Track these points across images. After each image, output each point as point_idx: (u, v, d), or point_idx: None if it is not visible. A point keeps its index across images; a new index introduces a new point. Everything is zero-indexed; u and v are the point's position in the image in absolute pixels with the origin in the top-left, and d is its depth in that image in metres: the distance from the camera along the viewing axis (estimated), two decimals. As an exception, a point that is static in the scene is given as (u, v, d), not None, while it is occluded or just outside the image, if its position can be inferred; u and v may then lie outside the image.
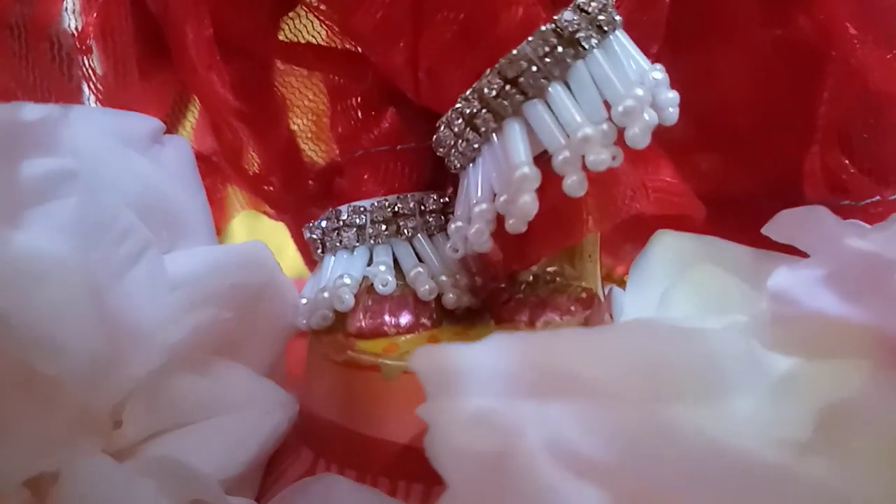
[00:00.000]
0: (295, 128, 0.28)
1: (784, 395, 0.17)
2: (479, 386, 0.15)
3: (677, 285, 0.21)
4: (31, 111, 0.18)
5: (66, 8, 0.20)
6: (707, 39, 0.26)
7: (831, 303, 0.17)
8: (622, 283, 0.29)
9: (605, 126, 0.18)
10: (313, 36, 0.23)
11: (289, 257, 0.41)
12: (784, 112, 0.25)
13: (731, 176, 0.29)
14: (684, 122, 0.29)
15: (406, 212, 0.22)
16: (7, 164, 0.18)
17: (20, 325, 0.17)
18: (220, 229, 0.32)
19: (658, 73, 0.19)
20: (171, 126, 0.28)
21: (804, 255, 0.20)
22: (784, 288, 0.17)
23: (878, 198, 0.23)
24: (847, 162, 0.23)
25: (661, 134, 0.23)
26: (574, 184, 0.18)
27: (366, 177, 0.23)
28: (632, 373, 0.15)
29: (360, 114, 0.23)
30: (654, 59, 0.24)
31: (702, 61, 0.27)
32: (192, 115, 0.29)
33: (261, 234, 0.37)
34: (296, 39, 0.23)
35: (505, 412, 0.14)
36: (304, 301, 0.23)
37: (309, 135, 0.28)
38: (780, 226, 0.21)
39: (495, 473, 0.13)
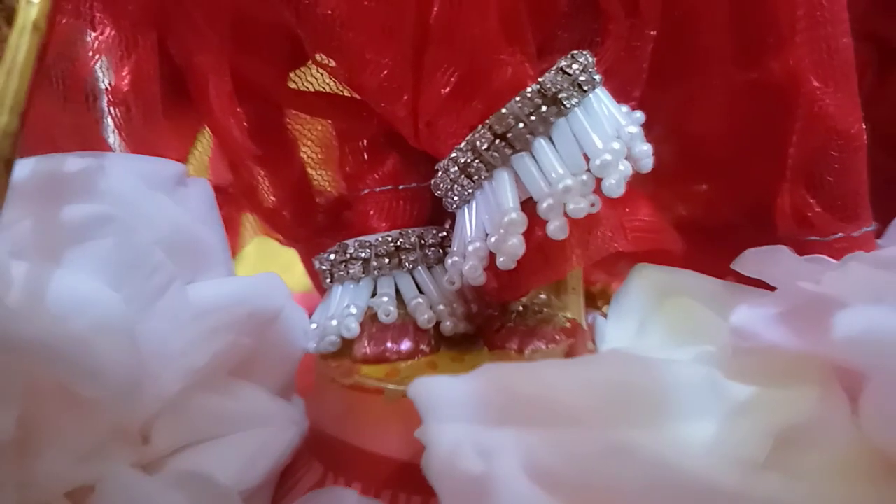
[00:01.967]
0: (304, 156, 0.30)
1: (742, 419, 0.18)
2: (468, 413, 0.17)
3: (654, 316, 0.23)
4: (73, 163, 0.20)
5: (100, 65, 0.22)
6: (686, 78, 0.28)
7: (785, 337, 0.19)
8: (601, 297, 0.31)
9: (584, 177, 0.20)
10: (322, 87, 0.25)
11: (297, 274, 0.44)
12: (758, 148, 0.27)
13: (714, 205, 0.31)
14: (669, 155, 0.31)
15: (408, 246, 0.24)
16: (52, 209, 0.20)
17: (61, 352, 0.19)
18: (234, 253, 0.34)
19: (633, 127, 0.21)
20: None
21: (772, 287, 0.22)
22: (743, 323, 0.19)
23: (841, 234, 0.24)
24: (813, 200, 0.25)
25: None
26: (556, 228, 0.20)
27: (371, 213, 0.25)
28: (603, 400, 0.18)
29: (366, 156, 0.25)
30: (637, 100, 0.27)
31: (682, 99, 0.29)
32: (198, 150, 0.31)
33: (270, 254, 0.39)
34: (307, 88, 0.25)
35: (489, 437, 0.16)
36: (313, 326, 0.25)
37: (317, 162, 0.30)
38: (746, 262, 0.23)
39: (480, 490, 0.15)
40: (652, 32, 0.26)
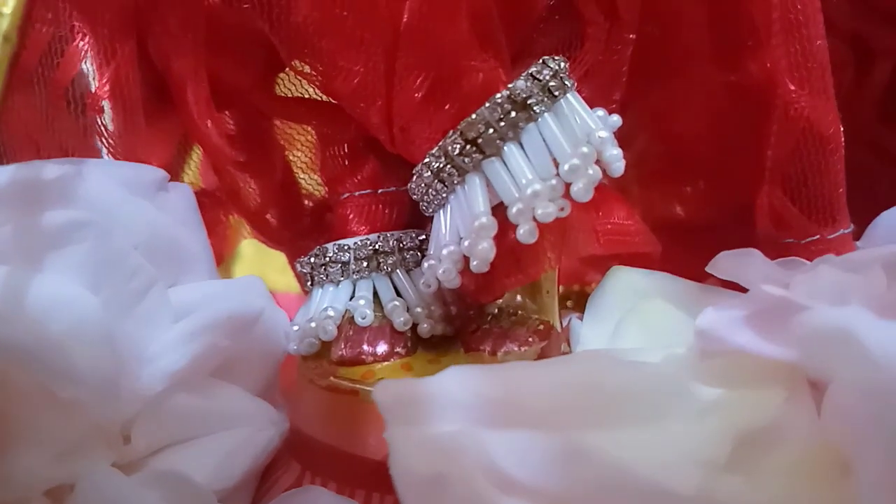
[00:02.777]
0: (294, 161, 0.30)
1: (706, 421, 0.19)
2: (431, 415, 0.17)
3: (629, 317, 0.23)
4: (51, 170, 0.20)
5: (85, 72, 0.23)
6: (667, 80, 0.28)
7: (750, 340, 0.19)
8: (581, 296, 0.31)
9: (553, 182, 0.20)
10: (301, 92, 0.25)
11: (293, 275, 0.44)
12: (739, 149, 0.27)
13: (697, 206, 0.31)
14: (651, 156, 0.31)
15: (386, 249, 0.24)
16: (30, 216, 0.20)
17: (37, 354, 0.20)
18: (223, 257, 0.34)
19: (604, 132, 0.21)
20: (178, 164, 0.31)
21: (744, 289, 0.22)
22: (709, 326, 0.19)
23: (818, 237, 0.24)
24: (789, 202, 0.25)
25: (634, 167, 0.25)
26: (526, 233, 0.20)
27: (351, 217, 0.25)
28: (569, 401, 0.18)
29: (345, 161, 0.25)
30: (617, 103, 0.27)
31: (663, 100, 0.29)
32: (197, 155, 0.32)
33: (269, 254, 0.39)
34: (288, 94, 0.26)
35: (448, 439, 0.16)
36: (294, 328, 0.25)
37: (308, 167, 0.30)
38: (720, 265, 0.23)
39: (439, 492, 0.15)
40: (631, 36, 0.26)
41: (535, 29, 0.25)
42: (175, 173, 0.32)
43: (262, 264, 0.44)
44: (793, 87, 0.24)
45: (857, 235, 0.26)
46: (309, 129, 0.29)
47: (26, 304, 0.20)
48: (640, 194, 0.32)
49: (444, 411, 0.17)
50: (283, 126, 0.29)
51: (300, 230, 0.29)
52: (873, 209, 0.26)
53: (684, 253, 0.27)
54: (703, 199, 0.31)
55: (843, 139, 0.24)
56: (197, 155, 0.33)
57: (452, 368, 0.18)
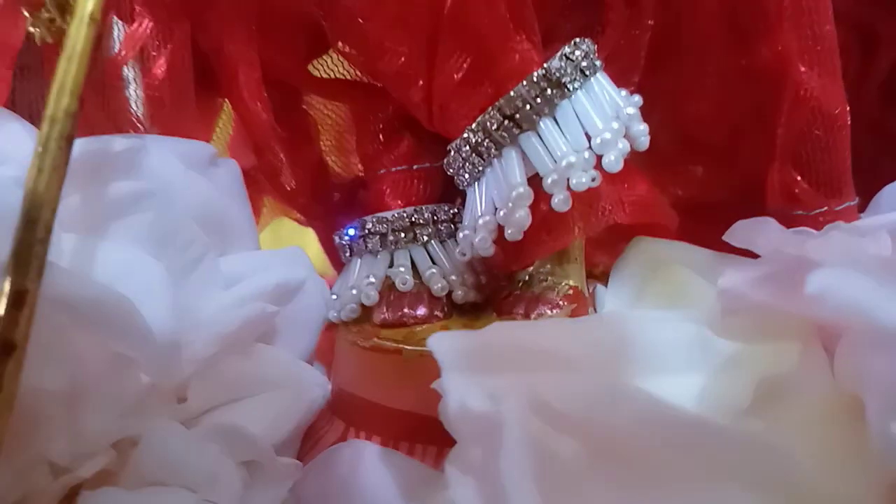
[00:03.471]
0: (325, 141, 0.32)
1: (728, 372, 0.20)
2: (479, 363, 0.19)
3: (649, 284, 0.25)
4: (118, 143, 0.22)
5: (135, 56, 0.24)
6: (681, 63, 0.30)
7: (769, 297, 0.21)
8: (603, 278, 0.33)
9: (586, 154, 0.22)
10: (343, 73, 0.27)
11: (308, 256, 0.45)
12: (749, 129, 0.29)
13: (707, 184, 0.33)
14: (665, 136, 0.33)
15: (422, 221, 0.26)
16: (98, 186, 0.22)
17: (110, 312, 0.21)
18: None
19: (631, 108, 0.23)
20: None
21: (757, 257, 0.24)
22: (731, 285, 0.21)
23: (825, 208, 0.26)
24: (799, 177, 0.26)
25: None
26: (560, 202, 0.22)
27: (387, 191, 0.27)
28: (601, 353, 0.19)
29: (381, 138, 0.27)
30: (635, 85, 0.29)
31: (676, 83, 0.30)
32: (225, 134, 0.33)
33: (283, 237, 0.41)
34: (329, 75, 0.27)
35: (498, 382, 0.18)
36: (334, 297, 0.27)
37: (330, 149, 0.32)
38: (737, 233, 0.24)
39: (491, 428, 0.17)
40: (650, 22, 0.28)
41: (560, 14, 0.27)
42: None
43: (274, 244, 0.46)
44: (803, 69, 0.25)
45: (861, 210, 0.27)
46: (330, 112, 0.30)
47: (95, 269, 0.22)
48: (652, 173, 0.33)
49: (495, 359, 0.18)
50: (308, 109, 0.30)
51: (333, 206, 0.30)
52: (875, 185, 0.28)
53: (695, 228, 0.28)
54: (714, 177, 0.33)
55: (849, 118, 0.26)
56: (225, 134, 0.34)
57: (499, 323, 0.20)
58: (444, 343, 0.19)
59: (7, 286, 0.17)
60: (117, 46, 0.24)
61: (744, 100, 0.29)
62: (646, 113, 0.27)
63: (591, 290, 0.26)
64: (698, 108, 0.31)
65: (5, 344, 0.17)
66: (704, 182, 0.33)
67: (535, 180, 0.23)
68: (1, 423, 0.17)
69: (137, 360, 0.22)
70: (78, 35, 0.18)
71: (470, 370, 0.18)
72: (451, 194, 0.28)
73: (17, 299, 0.17)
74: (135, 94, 0.25)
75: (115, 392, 0.22)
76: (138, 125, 0.26)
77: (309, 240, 0.42)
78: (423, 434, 0.23)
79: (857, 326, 0.18)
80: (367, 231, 0.26)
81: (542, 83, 0.22)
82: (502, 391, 0.17)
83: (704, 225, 0.29)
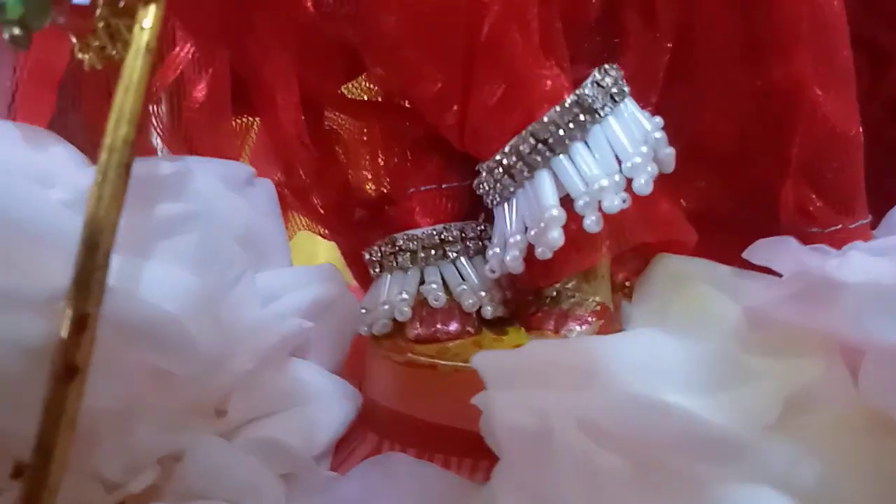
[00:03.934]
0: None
1: (756, 387, 0.21)
2: (524, 380, 0.20)
3: (673, 300, 0.25)
4: (166, 167, 0.23)
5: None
6: (698, 82, 0.31)
7: (794, 315, 0.21)
8: (622, 288, 0.34)
9: (617, 177, 0.23)
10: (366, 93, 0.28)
11: (321, 261, 0.46)
12: (761, 146, 0.30)
13: (719, 197, 0.34)
14: (679, 151, 0.34)
15: (451, 239, 0.27)
16: (146, 208, 0.23)
17: (158, 333, 0.22)
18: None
19: (658, 133, 0.24)
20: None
21: (776, 273, 0.25)
22: (759, 304, 0.22)
23: (840, 226, 0.27)
24: (814, 196, 0.27)
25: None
26: (592, 223, 0.23)
27: (417, 209, 0.27)
28: (636, 370, 0.20)
29: (410, 157, 0.28)
30: (654, 105, 0.29)
31: (694, 101, 0.31)
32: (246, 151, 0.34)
33: (296, 243, 0.41)
34: (356, 95, 0.28)
35: (542, 399, 0.18)
36: (363, 311, 0.28)
37: (359, 167, 0.33)
38: (756, 251, 0.25)
39: (539, 446, 0.18)
40: (668, 45, 0.28)
41: (584, 37, 0.28)
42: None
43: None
44: (819, 92, 0.26)
45: (874, 225, 0.28)
46: (346, 128, 0.31)
47: (141, 289, 0.22)
48: (661, 184, 0.34)
49: (537, 377, 0.19)
50: (339, 128, 0.31)
51: (356, 222, 0.31)
52: (883, 199, 0.29)
53: (705, 241, 0.29)
54: (724, 191, 0.34)
55: (862, 137, 0.27)
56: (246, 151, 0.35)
57: (536, 342, 0.21)
58: (488, 361, 0.19)
59: (70, 311, 0.18)
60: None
61: (756, 117, 0.30)
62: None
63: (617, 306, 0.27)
64: (710, 122, 0.32)
65: (69, 367, 0.18)
66: (713, 194, 0.34)
67: (564, 200, 0.23)
68: (66, 443, 0.17)
69: (183, 376, 0.23)
70: (135, 65, 0.19)
71: (514, 387, 0.19)
72: (477, 210, 0.29)
73: (80, 324, 0.18)
74: (160, 114, 0.26)
75: (162, 408, 0.23)
76: (156, 140, 0.26)
77: (321, 248, 0.43)
78: (458, 446, 0.24)
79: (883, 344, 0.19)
80: (397, 248, 0.27)
81: (574, 109, 0.23)
82: (548, 408, 0.18)
83: (715, 238, 0.30)
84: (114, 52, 0.22)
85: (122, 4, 0.20)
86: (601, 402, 0.18)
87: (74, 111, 0.25)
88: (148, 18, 0.19)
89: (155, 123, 0.27)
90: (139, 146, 0.24)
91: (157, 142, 0.28)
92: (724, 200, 0.33)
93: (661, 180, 0.36)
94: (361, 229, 0.32)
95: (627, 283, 0.33)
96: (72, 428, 0.18)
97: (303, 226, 0.35)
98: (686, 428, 0.18)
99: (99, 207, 0.19)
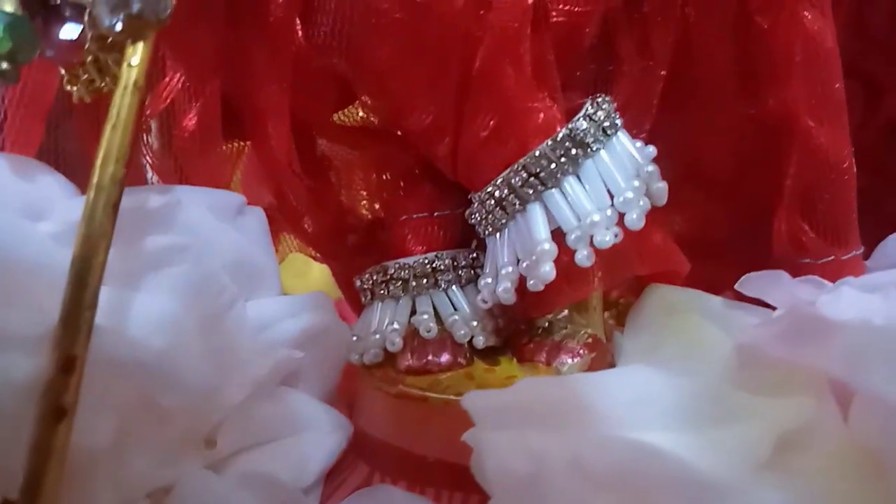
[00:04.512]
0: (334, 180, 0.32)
1: (746, 425, 0.21)
2: (515, 420, 0.19)
3: (665, 331, 0.25)
4: (155, 199, 0.22)
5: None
6: (692, 110, 0.31)
7: (785, 352, 0.21)
8: (615, 305, 0.34)
9: (609, 212, 0.23)
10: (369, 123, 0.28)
11: (310, 280, 0.46)
12: (755, 174, 0.30)
13: (714, 223, 0.34)
14: (675, 178, 0.34)
15: (442, 267, 0.27)
16: (136, 240, 0.22)
17: (147, 367, 0.22)
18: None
19: (651, 166, 0.24)
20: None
21: (768, 304, 0.25)
22: (750, 341, 0.22)
23: (832, 257, 0.27)
24: (807, 227, 0.27)
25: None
26: (584, 257, 0.23)
27: (408, 237, 0.27)
28: (628, 407, 0.20)
29: (403, 185, 0.28)
30: (647, 132, 0.29)
31: (688, 127, 0.31)
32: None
33: (290, 262, 0.41)
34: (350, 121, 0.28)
35: (536, 441, 0.18)
36: (354, 339, 0.28)
37: (340, 185, 0.32)
38: (748, 284, 0.25)
39: (531, 488, 0.18)
40: (662, 73, 0.28)
41: (577, 65, 0.28)
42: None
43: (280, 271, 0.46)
44: (812, 124, 0.26)
45: (866, 255, 0.28)
46: (356, 157, 0.31)
47: (130, 323, 0.22)
48: (661, 212, 0.34)
49: (528, 417, 0.19)
50: (332, 154, 0.31)
51: (349, 247, 0.31)
52: (880, 230, 0.29)
53: (699, 266, 0.29)
54: (719, 218, 0.34)
55: (855, 169, 0.27)
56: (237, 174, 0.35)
57: (527, 380, 0.21)
58: (479, 402, 0.19)
59: (58, 352, 0.18)
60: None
61: (751, 146, 0.30)
62: (657, 153, 0.27)
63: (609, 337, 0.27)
64: (706, 150, 0.32)
65: (57, 409, 0.17)
66: (709, 221, 0.34)
67: (556, 233, 0.23)
68: (54, 484, 0.17)
69: (174, 408, 0.23)
70: (122, 103, 0.19)
71: (504, 428, 0.19)
72: (468, 237, 0.29)
73: (67, 365, 0.18)
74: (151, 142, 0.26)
75: (154, 441, 0.23)
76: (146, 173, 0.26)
77: (314, 266, 0.43)
78: (448, 480, 0.24)
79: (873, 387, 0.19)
80: (388, 276, 0.27)
81: (566, 142, 0.23)
82: (539, 450, 0.18)
83: (708, 262, 0.30)
84: (103, 86, 0.22)
85: (110, 40, 0.20)
86: (592, 445, 0.18)
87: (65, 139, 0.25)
88: (136, 56, 0.19)
89: (145, 152, 0.26)
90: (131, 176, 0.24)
91: (148, 171, 0.27)
92: (721, 228, 0.34)
93: (670, 205, 0.35)
94: (354, 255, 0.31)
95: (621, 301, 0.33)
96: (60, 468, 0.18)
97: (295, 247, 0.35)
98: (676, 473, 0.18)
99: (86, 247, 0.19)
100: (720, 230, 0.34)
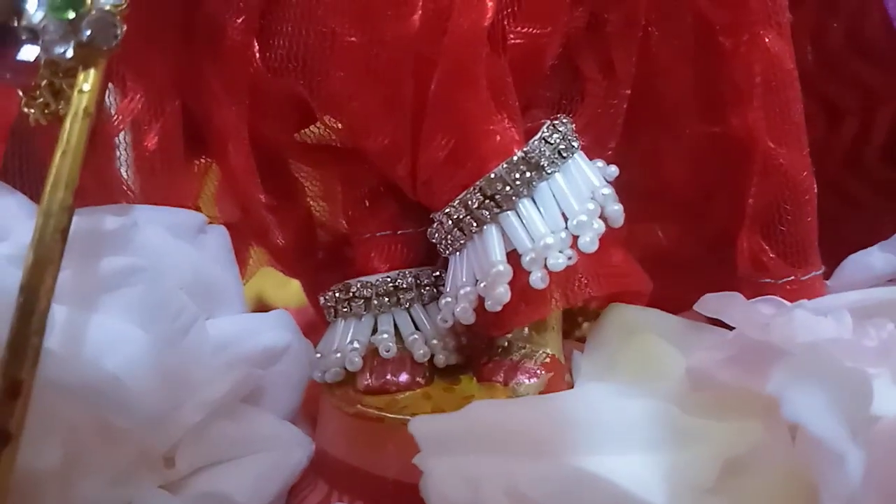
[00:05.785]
0: (309, 188, 0.32)
1: (694, 449, 0.21)
2: (460, 446, 0.20)
3: (622, 351, 0.26)
4: (110, 220, 0.23)
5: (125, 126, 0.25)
6: (655, 129, 0.31)
7: (734, 377, 0.22)
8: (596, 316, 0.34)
9: (562, 234, 0.23)
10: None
11: (292, 290, 0.46)
12: (720, 192, 0.30)
13: (680, 242, 0.34)
14: (640, 196, 0.34)
15: (405, 286, 0.27)
16: (89, 261, 0.23)
17: (98, 391, 0.22)
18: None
19: (606, 189, 0.24)
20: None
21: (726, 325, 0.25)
22: (699, 365, 0.22)
23: (793, 277, 0.27)
24: (767, 247, 0.27)
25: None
26: (538, 279, 0.23)
27: (372, 255, 0.28)
28: (573, 432, 0.20)
29: (367, 203, 0.28)
30: (612, 151, 0.30)
31: (651, 147, 0.32)
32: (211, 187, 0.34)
33: (266, 270, 0.41)
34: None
35: (476, 467, 0.19)
36: (318, 356, 0.28)
37: (316, 195, 0.33)
38: (705, 304, 0.26)
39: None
40: (626, 92, 0.29)
41: (539, 85, 0.28)
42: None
43: (261, 280, 0.46)
44: (772, 145, 0.26)
45: (827, 274, 0.29)
46: (321, 175, 0.31)
47: (85, 345, 0.22)
48: (626, 230, 0.34)
49: (473, 443, 0.19)
50: (297, 171, 0.31)
51: (317, 264, 0.31)
52: (838, 249, 0.29)
53: (666, 285, 0.29)
54: (684, 234, 0.34)
55: (816, 190, 0.27)
56: (211, 187, 0.35)
57: (476, 403, 0.21)
58: (424, 427, 0.20)
59: (3, 378, 0.18)
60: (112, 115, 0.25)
61: (715, 164, 0.30)
62: (622, 171, 0.28)
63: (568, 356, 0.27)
64: (670, 168, 0.32)
65: (1, 434, 0.18)
66: (676, 239, 0.34)
67: (514, 254, 0.24)
68: (-4, 511, 0.17)
69: (128, 430, 0.23)
70: (73, 129, 0.19)
71: (449, 454, 0.19)
72: (434, 256, 0.29)
73: (13, 390, 0.18)
74: (125, 161, 0.26)
75: (107, 462, 0.23)
76: (129, 192, 0.26)
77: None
78: (406, 501, 0.24)
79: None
80: (351, 294, 0.27)
81: (521, 165, 0.23)
82: (479, 477, 0.18)
83: (676, 282, 0.30)
84: (59, 109, 0.22)
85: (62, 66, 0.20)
86: (532, 472, 0.18)
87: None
88: (87, 82, 0.19)
89: (125, 179, 0.26)
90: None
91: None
92: (688, 246, 0.34)
93: (628, 222, 0.36)
94: (322, 271, 0.32)
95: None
96: (5, 493, 0.18)
97: (266, 262, 0.35)
98: (614, 499, 0.18)
99: (34, 272, 0.19)
100: (691, 250, 0.34)
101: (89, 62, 0.19)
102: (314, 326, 0.32)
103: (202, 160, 0.31)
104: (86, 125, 0.19)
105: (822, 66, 0.31)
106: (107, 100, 0.25)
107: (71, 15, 0.19)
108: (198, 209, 0.29)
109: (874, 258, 0.28)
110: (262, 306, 0.49)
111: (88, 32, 0.19)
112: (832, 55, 0.31)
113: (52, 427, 0.21)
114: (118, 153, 0.26)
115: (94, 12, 0.19)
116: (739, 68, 0.27)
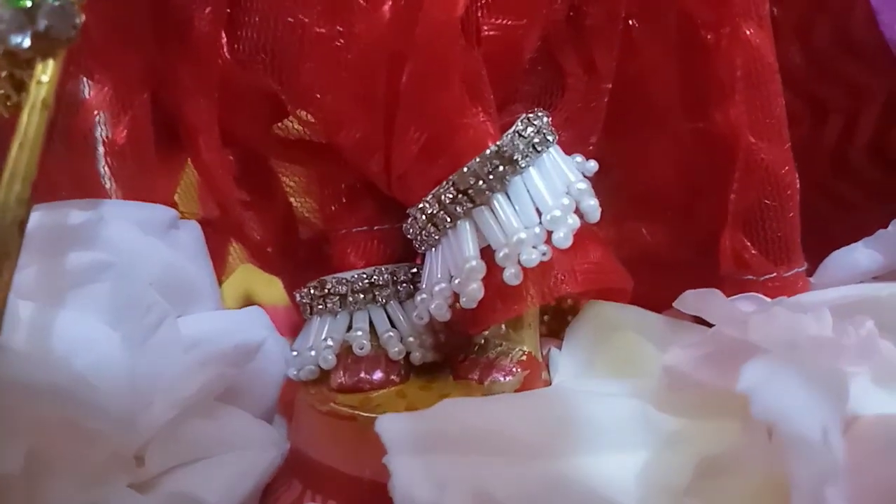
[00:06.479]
0: (284, 184, 0.32)
1: (670, 449, 0.21)
2: (429, 445, 0.19)
3: (601, 349, 0.25)
4: (76, 215, 0.22)
5: (99, 120, 0.24)
6: (639, 127, 0.31)
7: (710, 376, 0.21)
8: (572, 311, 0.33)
9: (536, 230, 0.22)
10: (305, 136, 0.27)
11: (281, 288, 0.46)
12: (705, 190, 0.30)
13: (665, 241, 0.34)
14: (625, 195, 0.33)
15: (381, 282, 0.26)
16: (57, 257, 0.22)
17: (64, 390, 0.21)
18: (221, 278, 0.36)
19: (582, 184, 0.23)
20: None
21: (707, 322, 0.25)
22: (674, 363, 0.22)
23: (774, 274, 0.27)
24: (749, 244, 0.27)
25: (604, 204, 0.27)
26: (511, 276, 0.22)
27: (348, 251, 0.27)
28: (547, 433, 0.20)
29: (344, 199, 0.27)
30: (594, 146, 0.29)
31: (635, 146, 0.31)
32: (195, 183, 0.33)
33: (254, 268, 0.41)
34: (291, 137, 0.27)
35: (443, 468, 0.18)
36: (294, 354, 0.27)
37: (297, 190, 0.32)
38: (685, 301, 0.25)
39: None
40: (607, 86, 0.28)
41: (519, 79, 0.27)
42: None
43: (249, 277, 0.46)
44: (753, 140, 0.26)
45: (811, 272, 0.28)
46: (298, 171, 0.31)
47: (52, 341, 0.22)
48: (610, 228, 0.34)
49: (442, 442, 0.19)
50: (275, 167, 0.30)
51: (297, 261, 0.31)
52: (825, 248, 0.29)
53: (651, 284, 0.29)
54: (670, 234, 0.34)
55: (798, 186, 0.27)
56: (195, 183, 0.34)
57: (447, 402, 0.20)
58: (393, 426, 0.19)
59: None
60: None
61: (700, 161, 0.30)
62: (604, 172, 0.27)
63: (545, 353, 0.26)
64: (656, 167, 0.32)
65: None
66: (663, 240, 0.33)
67: (488, 251, 0.23)
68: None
69: (97, 430, 0.22)
70: (31, 121, 0.19)
71: (416, 453, 0.19)
72: (412, 253, 0.28)
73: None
74: (98, 157, 0.26)
75: (76, 463, 0.23)
76: (106, 189, 0.26)
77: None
78: (379, 501, 0.23)
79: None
80: (326, 291, 0.27)
81: (494, 160, 0.22)
82: (447, 478, 0.18)
83: (662, 281, 0.30)
84: (20, 101, 0.21)
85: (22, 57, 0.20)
86: (499, 473, 0.18)
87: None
88: (46, 73, 0.19)
89: (110, 170, 0.26)
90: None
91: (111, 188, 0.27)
92: (674, 246, 0.33)
93: (612, 222, 0.35)
94: (303, 269, 0.31)
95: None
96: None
97: (245, 259, 0.35)
98: (584, 501, 0.17)
99: (-10, 267, 0.18)
100: (673, 250, 0.34)
101: (47, 53, 0.19)
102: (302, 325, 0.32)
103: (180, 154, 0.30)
104: (44, 117, 0.19)
105: (809, 63, 0.30)
106: (82, 94, 0.25)
107: (28, 4, 0.18)
108: (173, 205, 0.28)
109: (859, 255, 0.27)
110: (250, 304, 0.48)
111: (45, 22, 0.18)
112: (818, 53, 0.31)
113: (16, 429, 0.20)
114: (96, 151, 0.25)
115: (51, 1, 0.18)
116: (721, 62, 0.26)
